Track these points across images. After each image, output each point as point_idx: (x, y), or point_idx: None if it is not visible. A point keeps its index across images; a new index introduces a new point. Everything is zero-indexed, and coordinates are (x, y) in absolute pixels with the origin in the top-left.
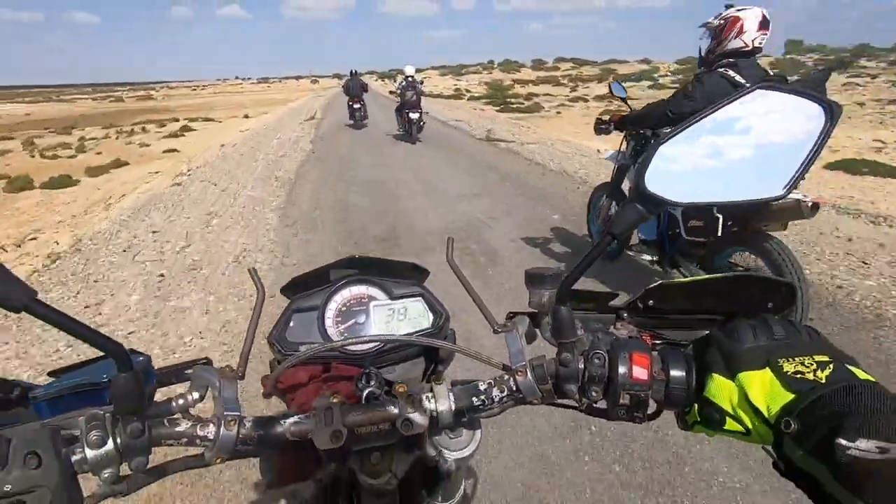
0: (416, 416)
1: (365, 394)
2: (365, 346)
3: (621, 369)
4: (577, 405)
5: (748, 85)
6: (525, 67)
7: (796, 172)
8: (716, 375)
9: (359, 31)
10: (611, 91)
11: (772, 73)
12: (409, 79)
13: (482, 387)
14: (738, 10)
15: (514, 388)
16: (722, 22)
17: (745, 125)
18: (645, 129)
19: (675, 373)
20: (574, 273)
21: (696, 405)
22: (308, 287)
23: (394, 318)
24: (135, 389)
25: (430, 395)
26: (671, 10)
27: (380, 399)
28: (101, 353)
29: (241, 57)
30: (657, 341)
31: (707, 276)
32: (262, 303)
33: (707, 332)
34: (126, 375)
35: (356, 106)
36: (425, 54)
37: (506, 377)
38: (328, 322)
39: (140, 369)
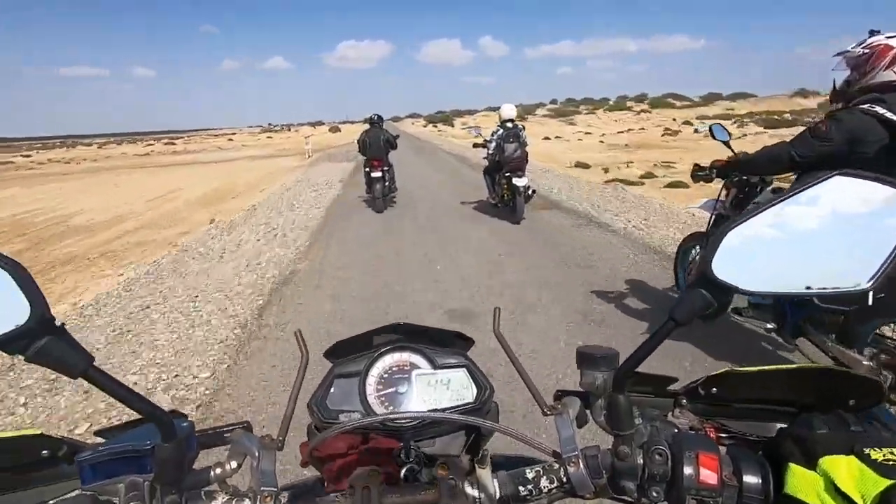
0: None
1: (404, 471)
2: (406, 419)
3: (687, 470)
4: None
5: None
6: (629, 102)
7: (883, 264)
8: (794, 466)
9: (396, 78)
10: (711, 134)
11: None
12: (510, 124)
13: (529, 475)
14: (889, 38)
15: (565, 480)
16: (867, 51)
17: (823, 212)
18: (752, 176)
19: (750, 479)
20: (633, 359)
21: None
22: (350, 352)
23: (436, 388)
24: (176, 460)
25: (472, 479)
26: (702, 50)
27: (419, 477)
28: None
29: (281, 105)
30: (722, 434)
31: (781, 367)
32: (305, 367)
33: (776, 424)
34: (168, 445)
35: (375, 175)
36: (466, 99)
37: (555, 466)
38: (369, 390)
39: (183, 437)
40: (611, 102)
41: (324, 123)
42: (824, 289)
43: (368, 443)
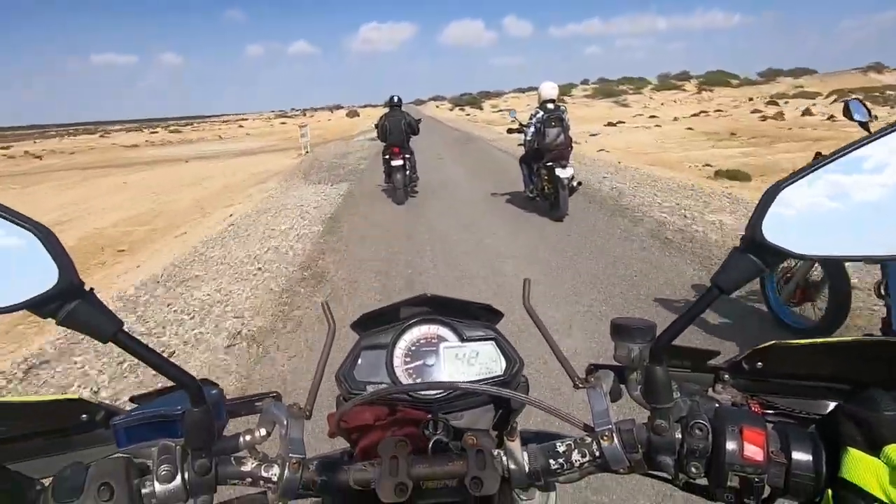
0: (487, 476)
1: (432, 442)
2: (433, 391)
3: (730, 445)
4: (671, 479)
5: None
6: (673, 80)
7: None
8: (853, 450)
9: (419, 60)
10: (847, 113)
11: None
12: (551, 105)
13: (561, 448)
14: None
15: (598, 454)
16: None
17: (884, 170)
18: None
19: (799, 456)
20: (672, 329)
21: (829, 491)
22: (378, 323)
23: (464, 361)
24: (205, 425)
25: (502, 451)
26: (737, 28)
27: (448, 449)
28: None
29: (304, 89)
30: (768, 411)
31: (834, 339)
32: (332, 338)
33: (828, 402)
34: (198, 410)
35: (396, 163)
36: (491, 81)
37: (588, 440)
38: (396, 362)
39: (212, 403)
40: (653, 82)
41: (343, 107)
42: (884, 254)
43: (396, 414)
